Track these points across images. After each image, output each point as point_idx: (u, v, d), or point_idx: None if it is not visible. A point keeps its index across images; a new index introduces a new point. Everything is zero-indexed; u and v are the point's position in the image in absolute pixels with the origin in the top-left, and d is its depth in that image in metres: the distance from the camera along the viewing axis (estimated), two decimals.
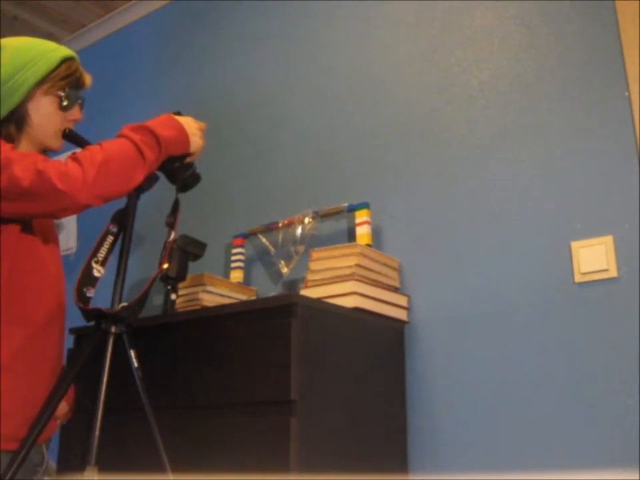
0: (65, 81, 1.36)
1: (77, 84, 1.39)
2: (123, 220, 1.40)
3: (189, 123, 1.41)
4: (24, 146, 1.33)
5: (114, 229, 1.40)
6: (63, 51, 1.37)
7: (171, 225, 1.45)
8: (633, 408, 1.41)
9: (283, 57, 2.35)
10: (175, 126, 1.37)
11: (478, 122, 1.81)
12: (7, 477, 1.13)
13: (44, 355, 1.33)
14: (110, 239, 1.39)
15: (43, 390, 1.30)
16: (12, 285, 1.26)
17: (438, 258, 1.78)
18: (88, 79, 1.43)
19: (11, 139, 1.29)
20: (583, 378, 1.49)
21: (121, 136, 1.29)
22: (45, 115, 1.34)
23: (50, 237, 1.40)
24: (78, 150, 1.28)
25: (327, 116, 2.14)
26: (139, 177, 1.28)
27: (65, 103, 1.36)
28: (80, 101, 1.41)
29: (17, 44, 1.34)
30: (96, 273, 1.35)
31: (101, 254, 1.37)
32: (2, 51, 1.32)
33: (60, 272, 1.41)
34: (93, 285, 1.35)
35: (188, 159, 1.46)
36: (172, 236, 1.44)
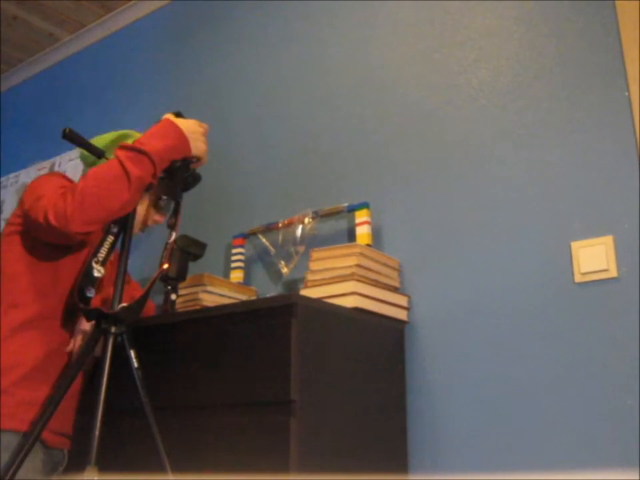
0: (166, 188, 1.50)
1: (171, 195, 1.51)
2: (124, 220, 1.41)
3: (191, 127, 1.42)
4: None
5: (114, 229, 1.40)
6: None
7: (172, 226, 1.45)
8: (632, 408, 1.41)
9: (283, 56, 2.35)
10: (172, 133, 1.39)
11: (478, 122, 1.81)
12: (8, 476, 1.13)
13: (59, 354, 1.42)
14: (110, 239, 1.39)
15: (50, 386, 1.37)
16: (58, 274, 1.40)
17: (438, 258, 1.78)
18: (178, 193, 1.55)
19: None
20: (582, 378, 1.49)
21: (114, 154, 1.35)
22: (141, 204, 1.49)
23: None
24: (76, 150, 1.35)
25: (327, 116, 2.14)
26: (123, 195, 1.30)
27: (161, 204, 1.54)
28: (167, 211, 1.55)
29: None
30: (96, 273, 1.36)
31: (101, 254, 1.37)
32: (134, 137, 1.48)
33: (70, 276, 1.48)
34: (93, 285, 1.35)
35: (194, 165, 1.47)
36: (173, 237, 1.44)
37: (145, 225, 1.56)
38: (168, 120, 1.41)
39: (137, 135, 1.50)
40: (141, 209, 1.52)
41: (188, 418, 1.50)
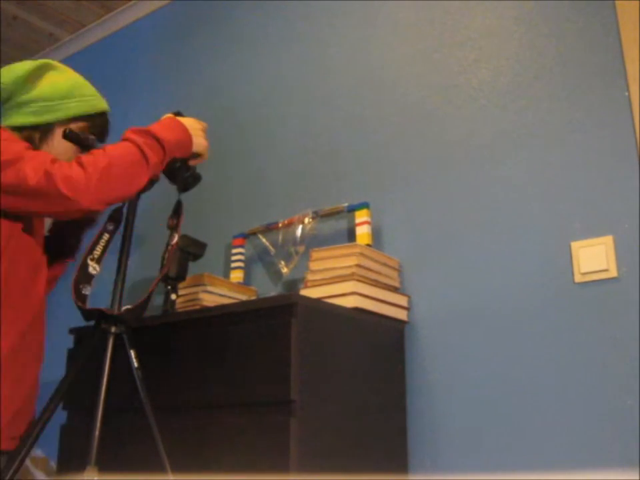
0: (96, 129, 1.44)
1: (101, 137, 1.47)
2: (119, 218, 1.41)
3: (192, 124, 1.43)
4: None
5: (110, 227, 1.40)
6: (106, 104, 1.48)
7: (173, 228, 1.45)
8: (632, 408, 1.41)
9: (283, 56, 2.35)
10: (178, 128, 1.39)
11: (478, 122, 1.81)
12: (7, 477, 1.13)
13: (31, 354, 1.32)
14: (106, 236, 1.39)
15: (30, 389, 1.31)
16: (10, 283, 1.26)
17: (438, 258, 1.78)
18: (107, 135, 1.51)
19: (30, 142, 1.32)
20: (582, 378, 1.49)
21: (124, 139, 1.31)
22: (64, 144, 1.39)
23: (41, 237, 1.40)
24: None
25: (327, 116, 2.14)
26: (142, 180, 1.29)
27: (84, 146, 1.42)
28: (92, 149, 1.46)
29: (75, 75, 1.45)
30: (92, 271, 1.36)
31: (97, 251, 1.38)
32: (62, 70, 1.43)
33: (46, 272, 1.41)
34: (89, 282, 1.35)
35: (196, 161, 1.47)
36: (175, 239, 1.44)
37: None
38: (171, 116, 1.42)
39: (56, 64, 1.42)
40: (66, 146, 1.39)
41: (188, 418, 1.50)
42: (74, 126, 1.40)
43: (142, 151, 1.28)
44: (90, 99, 1.44)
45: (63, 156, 1.37)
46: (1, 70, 1.37)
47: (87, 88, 1.45)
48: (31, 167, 1.19)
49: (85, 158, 1.24)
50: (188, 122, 1.43)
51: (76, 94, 1.41)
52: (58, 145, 1.38)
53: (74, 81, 1.43)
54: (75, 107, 1.40)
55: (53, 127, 1.38)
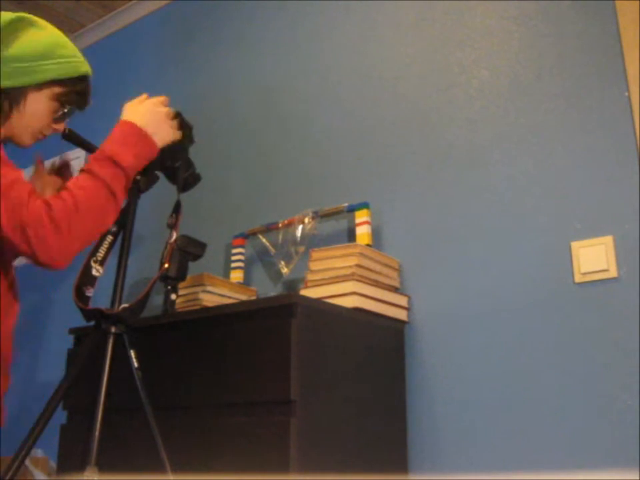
0: (75, 96, 1.31)
1: (81, 105, 1.35)
2: (123, 219, 1.40)
3: (152, 117, 1.31)
4: None
5: (113, 228, 1.39)
6: (88, 67, 1.34)
7: (172, 226, 1.45)
8: (632, 408, 1.41)
9: (283, 57, 2.35)
10: (139, 140, 1.27)
11: (478, 122, 1.81)
12: (7, 477, 1.13)
13: (6, 355, 1.30)
14: (109, 238, 1.39)
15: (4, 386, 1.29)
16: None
17: (438, 258, 1.78)
18: (89, 104, 1.38)
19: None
20: (582, 378, 1.49)
21: (89, 172, 1.20)
22: (38, 112, 1.27)
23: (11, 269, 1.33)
24: (77, 150, 1.27)
25: (327, 116, 2.14)
26: (112, 219, 1.24)
27: (59, 114, 1.31)
28: (69, 117, 1.36)
29: (56, 32, 1.29)
30: (95, 272, 1.35)
31: (100, 253, 1.37)
32: (40, 27, 1.27)
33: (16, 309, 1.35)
34: (92, 284, 1.35)
35: (177, 142, 1.38)
36: (173, 237, 1.44)
37: (42, 133, 1.31)
38: (128, 123, 1.29)
39: (35, 19, 1.28)
40: (39, 114, 1.27)
41: (188, 418, 1.50)
42: (48, 91, 1.26)
43: (111, 189, 1.20)
44: (71, 60, 1.28)
45: (37, 123, 1.27)
46: None
47: (68, 48, 1.29)
48: (6, 208, 1.09)
49: (58, 214, 1.12)
50: (146, 116, 1.30)
51: (55, 54, 1.25)
52: (31, 111, 1.25)
53: (54, 39, 1.27)
54: (53, 70, 1.24)
55: (27, 90, 1.23)
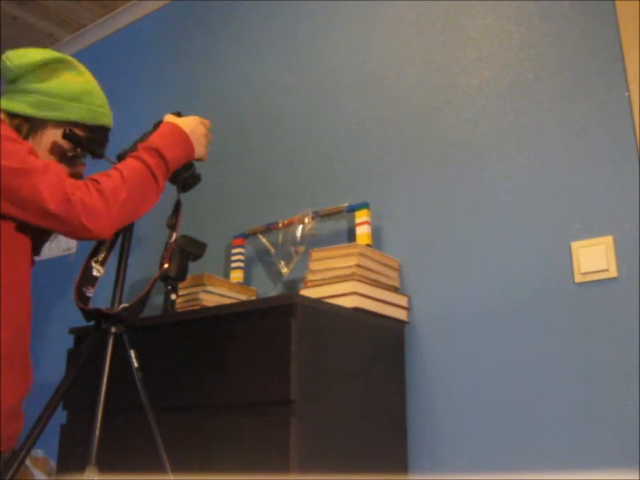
0: (92, 143, 1.37)
1: (95, 152, 1.39)
2: None
3: (194, 129, 1.39)
4: None
5: None
6: (110, 121, 1.41)
7: (172, 226, 1.45)
8: (632, 408, 1.41)
9: (283, 57, 2.35)
10: (182, 141, 1.35)
11: (478, 122, 1.81)
12: (7, 477, 1.13)
13: (23, 354, 1.30)
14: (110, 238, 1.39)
15: (20, 389, 1.28)
16: (6, 283, 1.24)
17: (438, 258, 1.78)
18: (103, 155, 1.43)
19: (17, 131, 1.26)
20: (582, 378, 1.49)
21: (137, 157, 1.27)
22: (52, 146, 1.32)
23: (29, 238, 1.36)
24: None
25: (327, 116, 2.14)
26: (152, 203, 1.30)
27: (71, 155, 1.35)
28: (81, 163, 1.40)
29: (91, 80, 1.39)
30: (95, 273, 1.35)
31: (101, 254, 1.37)
32: (79, 72, 1.37)
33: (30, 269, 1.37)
34: (93, 285, 1.35)
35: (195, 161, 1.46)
36: (173, 237, 1.44)
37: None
38: (175, 125, 1.36)
39: (76, 64, 1.36)
40: (53, 149, 1.32)
41: (188, 418, 1.50)
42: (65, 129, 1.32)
43: (153, 174, 1.27)
44: (96, 108, 1.37)
45: (48, 156, 1.32)
46: (16, 51, 1.31)
47: (97, 98, 1.38)
48: (48, 185, 1.13)
49: (105, 184, 1.19)
50: (190, 126, 1.38)
51: (83, 99, 1.34)
52: (46, 143, 1.31)
53: (87, 85, 1.36)
54: (76, 112, 1.33)
55: (47, 124, 1.31)
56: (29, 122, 1.29)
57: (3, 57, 1.30)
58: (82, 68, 1.38)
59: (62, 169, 1.20)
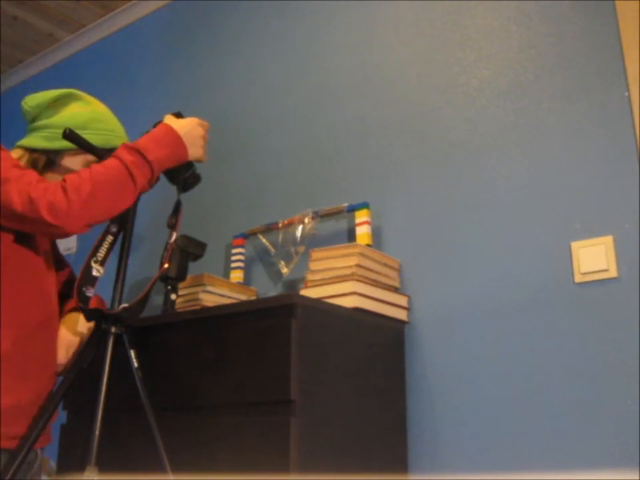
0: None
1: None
2: (123, 220, 1.41)
3: (190, 131, 1.40)
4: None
5: (114, 229, 1.40)
6: (119, 143, 1.41)
7: (172, 226, 1.45)
8: (633, 408, 1.41)
9: (283, 56, 2.35)
10: (171, 140, 1.36)
11: (478, 122, 1.81)
12: (7, 477, 1.13)
13: (35, 357, 1.31)
14: (110, 238, 1.39)
15: (33, 392, 1.29)
16: (7, 289, 1.26)
17: (438, 258, 1.78)
18: None
19: (34, 166, 1.36)
20: (582, 378, 1.49)
21: (115, 155, 1.30)
22: (70, 172, 1.36)
23: (45, 244, 1.40)
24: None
25: (327, 116, 2.14)
26: (128, 201, 1.30)
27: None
28: None
29: (99, 108, 1.46)
30: (95, 273, 1.35)
31: (101, 254, 1.37)
32: (86, 102, 1.44)
33: (54, 280, 1.41)
34: (93, 285, 1.35)
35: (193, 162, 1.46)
36: (173, 237, 1.44)
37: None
38: (167, 126, 1.38)
39: (83, 96, 1.45)
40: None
41: (188, 418, 1.50)
42: (82, 158, 1.39)
43: (129, 171, 1.27)
44: (104, 133, 1.42)
45: None
46: (31, 95, 1.42)
47: (105, 123, 1.44)
48: (17, 190, 1.19)
49: (70, 182, 1.23)
50: (187, 128, 1.39)
51: (91, 127, 1.40)
52: (65, 170, 1.38)
53: (94, 113, 1.43)
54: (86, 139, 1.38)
55: (63, 154, 1.39)
56: (46, 154, 1.38)
57: (22, 102, 1.42)
58: (89, 98, 1.46)
59: (35, 176, 1.24)
